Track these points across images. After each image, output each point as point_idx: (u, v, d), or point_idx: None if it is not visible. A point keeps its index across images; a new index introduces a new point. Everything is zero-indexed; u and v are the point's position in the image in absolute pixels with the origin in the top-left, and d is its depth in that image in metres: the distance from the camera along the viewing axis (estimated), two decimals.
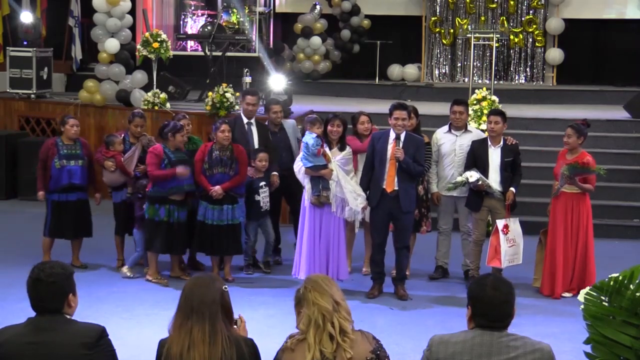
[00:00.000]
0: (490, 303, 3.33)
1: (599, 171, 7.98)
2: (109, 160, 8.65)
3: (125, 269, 8.60)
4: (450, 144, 8.62)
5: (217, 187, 8.15)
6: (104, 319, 5.10)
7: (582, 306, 3.38)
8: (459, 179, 8.24)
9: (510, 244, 8.03)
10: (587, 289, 3.41)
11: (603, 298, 3.33)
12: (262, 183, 8.59)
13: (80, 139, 8.93)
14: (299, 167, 7.92)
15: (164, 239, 8.27)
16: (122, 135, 8.93)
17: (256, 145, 8.81)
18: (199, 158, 8.29)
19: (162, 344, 3.47)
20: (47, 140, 9.09)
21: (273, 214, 8.97)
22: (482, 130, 9.25)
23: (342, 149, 8.07)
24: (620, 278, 3.29)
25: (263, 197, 8.59)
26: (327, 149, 7.91)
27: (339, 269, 7.95)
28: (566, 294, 8.10)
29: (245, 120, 8.90)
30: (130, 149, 8.74)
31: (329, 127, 8.03)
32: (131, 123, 8.85)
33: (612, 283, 3.30)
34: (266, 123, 9.09)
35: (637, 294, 3.25)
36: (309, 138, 7.81)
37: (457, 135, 8.63)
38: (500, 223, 8.03)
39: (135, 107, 12.11)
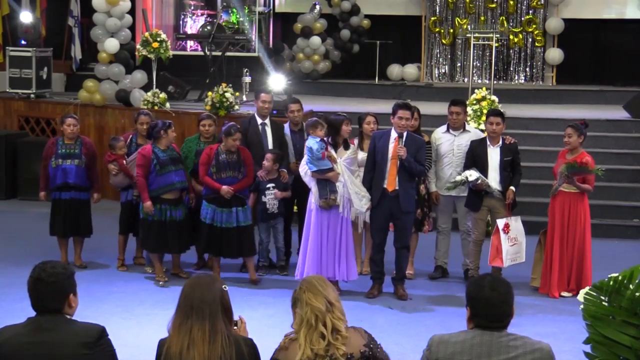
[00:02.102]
0: (489, 303, 3.33)
1: (597, 172, 7.98)
2: (111, 163, 8.65)
3: (146, 268, 8.73)
4: (449, 144, 8.62)
5: (229, 187, 8.11)
6: (104, 319, 5.09)
7: (582, 306, 3.38)
8: (458, 178, 8.24)
9: (512, 243, 8.04)
10: (587, 289, 3.42)
11: (603, 298, 3.33)
12: (270, 185, 8.55)
13: (82, 138, 8.93)
14: (305, 170, 7.92)
15: (157, 238, 8.28)
16: (130, 136, 8.91)
17: (270, 146, 8.78)
18: (204, 161, 8.23)
19: (161, 343, 3.47)
20: (49, 140, 9.11)
21: (286, 217, 8.90)
22: (482, 130, 9.25)
23: (346, 147, 8.06)
24: (620, 278, 3.29)
25: (269, 198, 8.55)
26: (332, 151, 7.89)
27: (348, 270, 7.94)
28: (566, 294, 8.11)
29: (259, 120, 8.83)
30: (137, 150, 8.72)
31: (343, 127, 8.02)
32: (137, 122, 8.84)
33: (612, 283, 3.30)
34: (287, 123, 9.02)
35: (637, 294, 3.25)
36: (313, 142, 7.78)
37: (455, 135, 8.64)
38: (500, 222, 8.03)
39: (135, 107, 12.14)
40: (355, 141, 8.52)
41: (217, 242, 8.25)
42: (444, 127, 8.78)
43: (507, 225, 8.04)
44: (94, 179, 8.92)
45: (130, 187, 8.73)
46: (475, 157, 8.33)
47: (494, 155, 8.31)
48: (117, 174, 8.66)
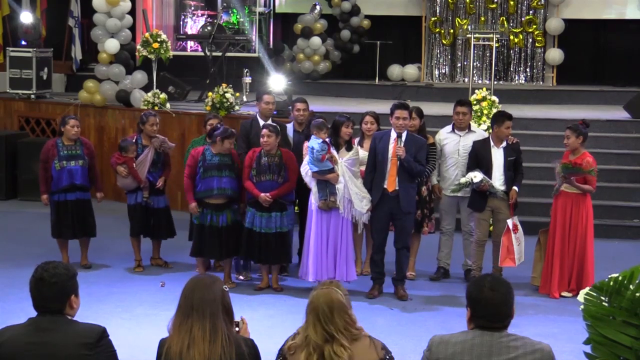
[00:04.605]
0: (489, 304, 3.33)
1: (590, 172, 7.97)
2: (121, 165, 8.62)
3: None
4: (454, 144, 8.62)
5: (267, 194, 7.95)
6: (103, 319, 5.10)
7: (582, 306, 3.38)
8: (463, 180, 8.23)
9: (517, 243, 8.07)
10: (587, 289, 3.42)
11: (603, 298, 3.33)
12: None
13: (81, 139, 8.90)
14: (306, 170, 7.91)
15: (196, 242, 8.18)
16: (135, 138, 8.83)
17: None
18: (247, 164, 8.09)
19: (162, 343, 3.47)
20: (47, 142, 9.04)
21: None
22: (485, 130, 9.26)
23: (349, 149, 8.05)
24: (620, 278, 3.29)
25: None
26: (334, 152, 7.89)
27: (347, 271, 7.92)
28: (566, 294, 8.11)
29: (261, 122, 8.71)
30: (143, 152, 8.69)
31: (343, 129, 8.01)
32: (146, 124, 8.69)
33: (612, 283, 3.30)
34: (291, 122, 8.97)
35: (637, 294, 3.25)
36: (315, 143, 7.78)
37: (460, 136, 8.64)
38: (510, 222, 8.04)
39: (136, 108, 12.14)
40: (356, 140, 8.53)
41: (255, 247, 8.06)
42: (448, 128, 8.77)
43: (515, 226, 8.06)
44: (95, 178, 8.92)
45: (138, 189, 8.71)
46: (479, 157, 8.32)
47: (498, 155, 8.31)
48: (127, 176, 8.64)
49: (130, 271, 8.75)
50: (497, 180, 8.25)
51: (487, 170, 8.22)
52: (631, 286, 3.27)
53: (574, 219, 8.10)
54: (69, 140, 8.74)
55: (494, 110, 10.32)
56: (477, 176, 8.09)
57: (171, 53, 12.71)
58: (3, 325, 3.55)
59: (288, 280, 8.43)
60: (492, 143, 8.36)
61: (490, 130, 8.80)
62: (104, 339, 3.46)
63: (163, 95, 12.06)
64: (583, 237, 8.12)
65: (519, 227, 8.12)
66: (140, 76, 12.46)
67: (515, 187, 8.30)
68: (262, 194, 7.95)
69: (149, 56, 12.40)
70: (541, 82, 15.74)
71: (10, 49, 13.58)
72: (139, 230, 8.81)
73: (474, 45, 14.10)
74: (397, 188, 7.83)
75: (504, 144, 8.36)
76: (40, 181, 8.81)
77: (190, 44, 16.34)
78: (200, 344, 3.36)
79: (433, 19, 15.92)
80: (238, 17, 16.24)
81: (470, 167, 8.31)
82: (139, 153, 8.68)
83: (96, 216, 8.98)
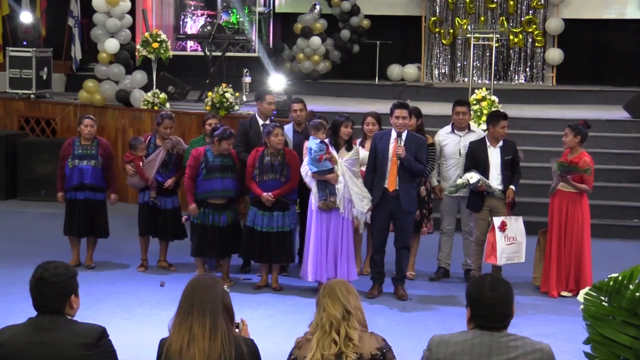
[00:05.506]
0: (489, 304, 3.33)
1: (585, 171, 7.97)
2: (128, 164, 8.62)
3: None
4: (454, 145, 8.62)
5: (269, 194, 7.96)
6: (103, 319, 5.09)
7: (582, 306, 3.38)
8: (459, 181, 8.24)
9: (509, 242, 8.04)
10: (586, 289, 3.42)
11: (603, 298, 3.33)
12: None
13: (98, 139, 8.89)
14: (306, 170, 7.92)
15: (197, 242, 8.17)
16: (149, 137, 8.83)
17: None
18: (250, 163, 8.10)
19: (162, 343, 3.47)
20: (66, 140, 9.08)
21: None
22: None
23: (349, 149, 8.05)
24: (620, 278, 3.29)
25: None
26: (334, 152, 7.89)
27: (349, 270, 7.93)
28: (565, 294, 8.11)
29: (260, 122, 8.75)
30: (155, 151, 8.66)
31: (342, 129, 8.01)
32: (160, 125, 8.68)
33: (611, 283, 3.30)
34: (290, 124, 8.98)
35: (637, 294, 3.25)
36: (313, 143, 7.78)
37: (460, 136, 8.64)
38: (497, 220, 8.05)
39: (135, 107, 12.14)
40: (358, 141, 8.53)
41: (256, 246, 8.06)
42: (448, 128, 8.77)
43: (503, 224, 8.05)
44: (111, 179, 8.87)
45: (147, 188, 8.69)
46: (475, 157, 8.33)
47: (494, 155, 8.31)
48: (134, 175, 8.62)
49: (131, 271, 8.75)
50: (494, 179, 8.26)
51: (484, 170, 8.23)
52: (631, 286, 3.28)
53: (570, 218, 8.10)
54: (85, 140, 8.74)
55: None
56: (473, 177, 8.10)
57: (171, 53, 12.72)
58: (3, 325, 3.55)
59: (288, 280, 8.42)
60: (488, 143, 8.36)
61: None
62: (104, 339, 3.46)
63: (163, 95, 12.06)
64: (579, 236, 8.12)
65: (513, 226, 8.08)
66: (140, 76, 12.46)
67: (512, 186, 8.30)
68: (265, 194, 7.96)
69: (148, 56, 12.40)
70: (541, 82, 15.74)
71: (10, 48, 13.58)
72: (146, 230, 8.79)
73: (474, 45, 14.11)
74: (397, 188, 7.84)
75: (501, 143, 8.36)
76: (58, 179, 8.86)
77: (190, 43, 16.34)
78: (200, 341, 3.36)
79: (433, 18, 15.92)
80: (238, 17, 16.24)
81: (467, 168, 8.31)
82: (149, 152, 8.68)
83: (112, 217, 8.96)
